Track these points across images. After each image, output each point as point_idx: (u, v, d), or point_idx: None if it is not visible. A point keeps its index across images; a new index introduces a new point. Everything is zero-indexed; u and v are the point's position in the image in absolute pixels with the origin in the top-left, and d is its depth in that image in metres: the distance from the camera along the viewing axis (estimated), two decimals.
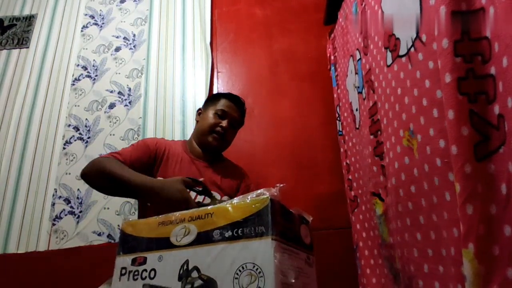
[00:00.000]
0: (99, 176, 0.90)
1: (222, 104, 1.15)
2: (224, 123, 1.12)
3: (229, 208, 0.61)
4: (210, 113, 1.14)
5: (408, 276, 0.81)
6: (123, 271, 0.65)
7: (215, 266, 0.57)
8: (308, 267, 0.65)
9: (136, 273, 0.63)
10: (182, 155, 1.11)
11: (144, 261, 0.64)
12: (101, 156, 0.98)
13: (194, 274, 0.58)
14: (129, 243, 0.67)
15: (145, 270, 0.63)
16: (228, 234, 0.58)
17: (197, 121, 1.21)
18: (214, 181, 1.09)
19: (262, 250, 0.54)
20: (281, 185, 0.63)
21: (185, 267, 0.59)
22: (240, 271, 0.54)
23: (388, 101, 0.90)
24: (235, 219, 0.59)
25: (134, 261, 0.65)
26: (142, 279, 0.62)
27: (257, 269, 0.53)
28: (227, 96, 1.20)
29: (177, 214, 0.65)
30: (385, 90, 0.92)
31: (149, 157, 1.05)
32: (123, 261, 0.66)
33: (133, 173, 0.89)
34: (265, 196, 0.59)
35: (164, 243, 0.63)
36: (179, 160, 1.09)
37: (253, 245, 0.55)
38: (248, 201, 0.60)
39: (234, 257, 0.56)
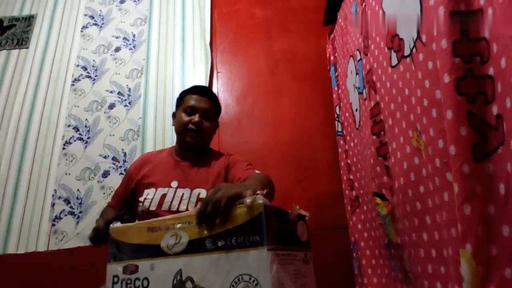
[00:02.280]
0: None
1: (187, 100, 1.13)
2: (195, 118, 1.09)
3: None
4: (181, 113, 1.12)
5: (415, 276, 0.81)
6: (115, 279, 0.64)
7: (210, 277, 0.55)
8: (305, 265, 0.64)
9: (129, 281, 0.62)
10: (168, 160, 1.12)
11: (136, 269, 0.62)
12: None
13: (189, 284, 0.56)
14: (119, 249, 0.66)
15: (138, 279, 0.61)
16: (221, 243, 0.56)
17: (173, 125, 1.19)
18: (200, 178, 1.07)
19: (258, 261, 0.53)
20: (264, 191, 0.60)
21: (178, 277, 0.58)
22: (236, 282, 0.53)
23: (395, 101, 0.89)
24: (227, 227, 0.57)
25: (125, 269, 0.63)
26: None
27: (253, 281, 0.52)
28: (190, 90, 1.17)
29: (167, 219, 0.63)
30: (390, 90, 0.92)
31: (132, 184, 1.10)
32: (115, 269, 0.65)
33: (98, 220, 1.01)
34: (258, 202, 0.56)
35: (155, 251, 0.61)
36: (163, 165, 1.10)
37: (248, 255, 0.54)
38: (240, 207, 0.58)
39: (229, 268, 0.54)
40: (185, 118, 1.10)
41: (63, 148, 1.66)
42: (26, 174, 1.61)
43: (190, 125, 1.08)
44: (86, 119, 1.73)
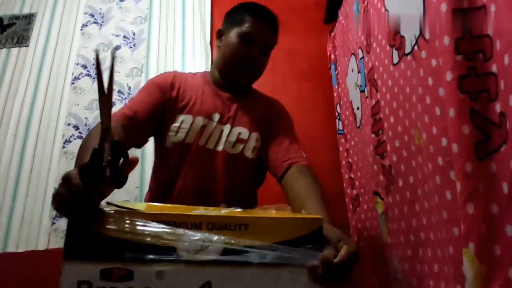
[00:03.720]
0: None
1: (248, 24, 0.89)
2: (253, 51, 0.89)
3: (273, 222, 0.52)
4: (234, 38, 0.89)
5: (415, 277, 0.81)
6: (84, 287, 0.47)
7: None
8: None
9: None
10: (203, 88, 0.94)
11: (129, 275, 0.47)
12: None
13: None
14: (98, 245, 0.48)
15: None
16: (276, 255, 0.49)
17: (218, 46, 0.97)
18: (242, 115, 0.92)
19: None
20: None
21: None
22: None
23: (396, 99, 0.89)
24: (283, 238, 0.50)
25: (107, 274, 0.47)
26: None
27: None
28: (255, 12, 0.91)
29: (189, 215, 0.51)
30: (391, 88, 0.91)
31: (158, 102, 0.87)
32: (82, 270, 0.47)
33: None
34: (317, 216, 0.53)
35: (167, 254, 0.48)
36: (199, 94, 0.91)
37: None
38: (297, 216, 0.54)
39: (287, 283, 0.48)
40: (241, 47, 0.89)
41: (63, 147, 1.66)
42: (26, 172, 1.61)
43: (246, 60, 0.89)
44: (86, 118, 1.72)
